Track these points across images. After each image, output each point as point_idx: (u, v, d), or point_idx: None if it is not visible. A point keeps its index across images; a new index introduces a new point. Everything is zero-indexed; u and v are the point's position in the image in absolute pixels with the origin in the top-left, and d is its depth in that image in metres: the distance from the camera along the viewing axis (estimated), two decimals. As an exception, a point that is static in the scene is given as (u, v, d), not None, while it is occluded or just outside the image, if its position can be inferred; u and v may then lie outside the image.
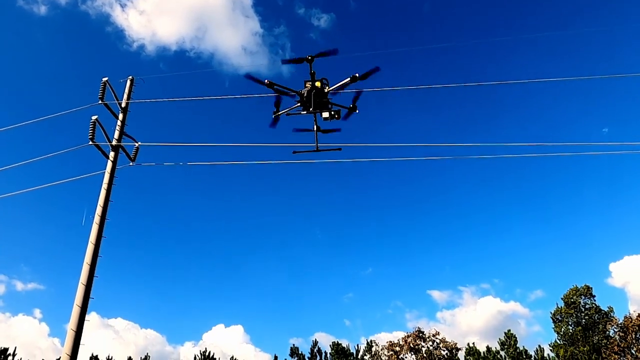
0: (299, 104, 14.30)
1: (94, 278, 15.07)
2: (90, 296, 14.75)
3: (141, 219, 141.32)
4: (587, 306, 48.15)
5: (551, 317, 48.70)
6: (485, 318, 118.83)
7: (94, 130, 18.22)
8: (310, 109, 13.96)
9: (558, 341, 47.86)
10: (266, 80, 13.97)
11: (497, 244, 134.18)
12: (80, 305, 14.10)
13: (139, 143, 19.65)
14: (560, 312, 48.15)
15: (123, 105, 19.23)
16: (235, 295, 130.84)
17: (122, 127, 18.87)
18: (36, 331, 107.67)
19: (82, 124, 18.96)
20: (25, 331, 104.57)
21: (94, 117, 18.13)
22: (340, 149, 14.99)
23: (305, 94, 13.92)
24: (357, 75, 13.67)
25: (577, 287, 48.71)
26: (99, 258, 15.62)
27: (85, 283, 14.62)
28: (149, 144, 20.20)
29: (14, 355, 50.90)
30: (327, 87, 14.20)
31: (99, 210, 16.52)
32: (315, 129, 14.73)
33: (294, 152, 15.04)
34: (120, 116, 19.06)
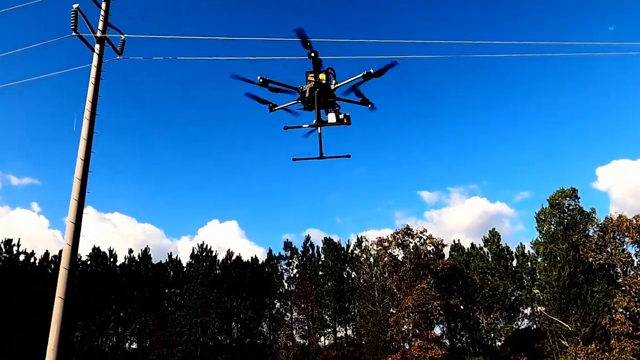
0: (299, 102, 12.05)
1: (89, 173, 15.22)
2: (87, 190, 15.02)
3: (134, 114, 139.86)
4: (570, 207, 50.08)
5: (535, 217, 50.89)
6: (472, 218, 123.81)
7: (75, 20, 17.20)
8: (313, 109, 11.67)
9: (539, 239, 50.48)
10: (259, 77, 11.68)
11: (487, 146, 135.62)
12: (77, 199, 14.38)
13: (125, 35, 18.74)
14: (544, 213, 50.18)
15: (105, -8, 17.95)
16: (229, 191, 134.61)
17: (105, 17, 17.81)
18: (36, 224, 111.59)
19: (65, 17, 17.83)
20: (26, 224, 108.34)
21: (75, 6, 17.04)
22: (349, 156, 12.54)
23: (307, 92, 11.67)
24: (371, 71, 11.36)
25: (563, 189, 50.24)
26: (92, 154, 15.64)
27: (80, 178, 14.78)
28: (136, 35, 19.25)
29: (18, 245, 53.32)
30: (333, 81, 11.84)
31: (88, 105, 16.16)
32: (319, 131, 12.10)
33: (294, 160, 12.50)
34: (104, 5, 17.92)
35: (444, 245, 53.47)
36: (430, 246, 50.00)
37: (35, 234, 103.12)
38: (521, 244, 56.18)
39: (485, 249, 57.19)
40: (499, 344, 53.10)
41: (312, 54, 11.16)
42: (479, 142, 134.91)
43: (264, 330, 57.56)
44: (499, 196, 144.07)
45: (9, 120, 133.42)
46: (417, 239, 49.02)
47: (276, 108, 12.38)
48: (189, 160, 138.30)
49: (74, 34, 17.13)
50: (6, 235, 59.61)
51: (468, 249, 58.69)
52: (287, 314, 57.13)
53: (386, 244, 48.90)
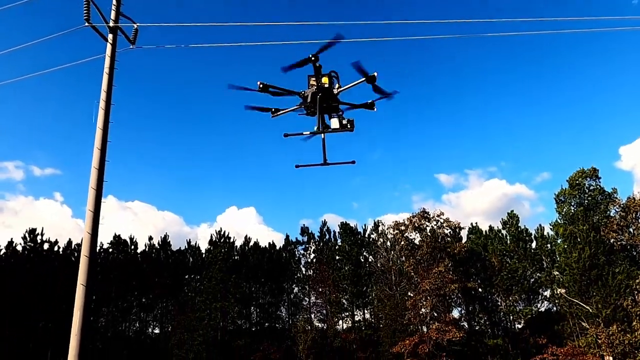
0: (301, 106, 11.59)
1: (106, 162, 15.42)
2: (104, 179, 15.24)
3: (152, 102, 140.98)
4: (591, 188, 49.12)
5: (554, 199, 50.06)
6: (490, 200, 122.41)
7: (88, 9, 17.30)
8: (316, 114, 11.23)
9: (559, 221, 49.74)
10: (258, 83, 11.18)
11: (506, 127, 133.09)
12: (95, 188, 14.62)
13: (138, 24, 18.80)
14: (564, 194, 49.31)
15: (116, -19, 17.98)
16: (247, 178, 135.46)
17: (117, 6, 17.89)
18: (59, 213, 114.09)
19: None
20: (50, 213, 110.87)
21: (86, -4, 17.11)
22: (354, 162, 12.17)
23: (309, 97, 11.20)
24: (375, 75, 10.89)
25: (583, 170, 49.22)
26: (108, 143, 15.82)
27: (97, 167, 15.00)
28: (148, 24, 19.31)
29: (42, 234, 54.69)
30: (336, 84, 11.41)
31: (103, 95, 16.32)
32: (322, 136, 11.63)
33: (297, 166, 12.12)
34: (115, -6, 17.98)
35: (461, 228, 53.18)
36: (447, 229, 49.76)
37: (59, 223, 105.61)
38: (540, 225, 55.55)
39: (504, 232, 56.65)
40: (518, 326, 52.91)
41: (313, 58, 10.64)
42: (497, 123, 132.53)
43: (283, 314, 58.34)
44: (519, 178, 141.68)
45: (30, 113, 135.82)
46: (434, 222, 48.81)
47: (279, 113, 11.98)
48: (206, 148, 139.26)
49: (87, 24, 17.23)
50: (32, 225, 61.20)
51: (486, 231, 58.23)
52: (305, 298, 57.71)
53: (403, 227, 48.81)
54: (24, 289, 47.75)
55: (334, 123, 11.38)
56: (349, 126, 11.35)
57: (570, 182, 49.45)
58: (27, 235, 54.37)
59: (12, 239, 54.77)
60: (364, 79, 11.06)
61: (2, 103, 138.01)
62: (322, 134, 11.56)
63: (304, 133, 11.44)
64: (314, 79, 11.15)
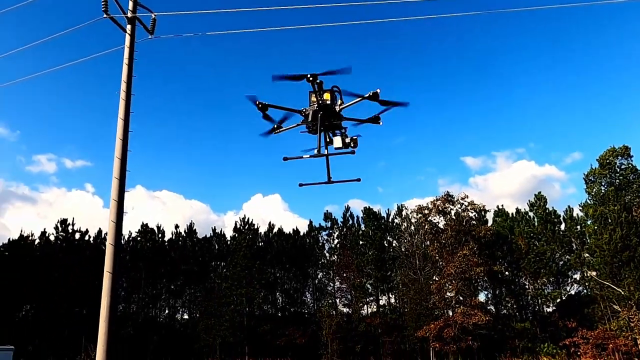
0: (302, 124, 11.20)
1: (128, 152, 15.63)
2: (128, 169, 15.46)
3: (178, 93, 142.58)
4: (622, 167, 47.40)
5: (584, 179, 48.58)
6: (519, 182, 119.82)
7: (106, 1, 17.48)
8: (318, 132, 10.78)
9: (589, 201, 48.34)
10: (257, 102, 10.89)
11: (534, 106, 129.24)
12: (118, 178, 14.85)
13: (155, 14, 18.88)
14: (594, 173, 47.76)
15: (131, -30, 18.01)
16: (272, 166, 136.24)
17: (134, -4, 17.99)
18: (91, 204, 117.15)
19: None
20: (82, 204, 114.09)
21: (105, -13, 17.24)
22: (359, 180, 11.76)
23: (310, 115, 10.75)
24: (378, 92, 10.48)
25: (614, 148, 47.46)
26: (130, 133, 16.02)
27: (120, 157, 15.21)
28: (166, 13, 19.38)
29: (72, 224, 56.43)
30: (338, 101, 10.93)
31: (123, 86, 16.47)
32: (326, 152, 11.20)
33: (300, 185, 11.87)
34: (132, -16, 18.04)
35: (486, 211, 52.36)
36: (471, 212, 49.04)
37: (91, 213, 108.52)
38: (569, 206, 54.16)
39: (531, 214, 55.48)
40: (548, 309, 52.10)
41: (311, 78, 10.16)
42: (524, 103, 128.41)
43: (308, 299, 58.87)
44: (548, 159, 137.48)
45: (61, 106, 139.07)
46: (458, 206, 48.15)
47: (280, 130, 11.62)
48: (232, 136, 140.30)
49: (105, 15, 17.37)
50: (66, 215, 63.02)
51: (512, 214, 57.18)
52: (330, 283, 58.04)
53: (426, 211, 48.33)
54: (59, 277, 49.49)
55: (337, 142, 10.99)
56: (352, 145, 10.93)
57: (601, 161, 47.80)
58: (59, 225, 56.18)
59: (45, 229, 56.68)
60: (367, 95, 10.66)
61: (33, 99, 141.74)
62: (326, 151, 11.15)
63: (304, 157, 11.12)
64: (315, 95, 10.67)
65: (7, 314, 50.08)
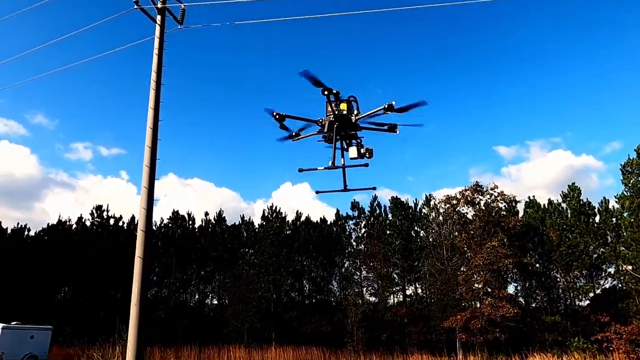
0: (319, 133, 11.50)
1: (158, 140, 16.06)
2: (158, 157, 15.89)
3: (209, 82, 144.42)
4: (662, 158, 45.38)
5: (620, 169, 46.78)
6: (554, 172, 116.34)
7: (136, -7, 17.89)
8: (333, 143, 11.07)
9: (625, 193, 46.62)
10: (274, 114, 11.15)
11: (570, 94, 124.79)
12: (149, 166, 15.30)
13: (185, 4, 19.20)
14: (631, 164, 45.92)
15: (160, -38, 18.38)
16: (300, 155, 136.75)
17: (164, -13, 18.34)
18: (126, 191, 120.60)
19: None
20: (117, 191, 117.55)
21: (135, -21, 17.64)
22: (374, 188, 12.04)
23: (326, 125, 11.01)
24: (392, 104, 10.60)
25: (654, 139, 45.55)
26: (160, 122, 16.44)
27: (150, 146, 15.65)
28: (195, 3, 19.68)
29: (107, 210, 58.41)
30: (355, 110, 11.16)
31: (153, 76, 16.88)
32: (342, 161, 11.48)
33: (317, 192, 12.49)
34: (161, -25, 18.37)
35: (517, 202, 51.18)
36: (501, 203, 48.08)
37: (125, 200, 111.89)
38: (604, 198, 52.29)
39: (564, 205, 53.94)
40: (580, 303, 50.81)
41: (326, 92, 10.41)
42: (560, 90, 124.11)
43: (334, 288, 59.24)
44: (585, 148, 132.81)
45: (96, 95, 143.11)
46: (488, 196, 47.28)
47: (299, 137, 11.92)
48: (262, 125, 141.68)
49: (136, 7, 17.79)
50: (102, 202, 65.19)
51: (544, 205, 55.72)
52: (357, 272, 58.18)
53: (454, 201, 47.67)
54: (95, 261, 51.44)
55: (352, 152, 11.20)
56: (367, 155, 11.15)
57: (638, 150, 45.96)
58: (94, 211, 58.26)
59: (81, 214, 58.79)
60: (380, 108, 10.77)
61: (70, 88, 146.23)
62: (342, 158, 11.40)
63: (319, 168, 11.33)
64: (331, 105, 10.88)
65: (46, 296, 52.50)
